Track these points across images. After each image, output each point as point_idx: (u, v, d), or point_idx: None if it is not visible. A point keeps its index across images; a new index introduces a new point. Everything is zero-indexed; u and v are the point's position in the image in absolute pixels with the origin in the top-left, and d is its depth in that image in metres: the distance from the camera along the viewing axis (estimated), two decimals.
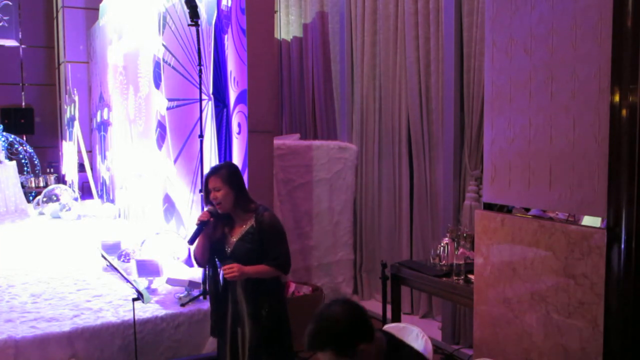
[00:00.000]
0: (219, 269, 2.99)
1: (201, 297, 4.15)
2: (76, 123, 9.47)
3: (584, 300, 2.29)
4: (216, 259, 2.99)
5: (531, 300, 2.54)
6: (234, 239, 2.87)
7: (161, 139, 6.06)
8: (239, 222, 2.88)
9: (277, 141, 5.09)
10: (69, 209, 8.31)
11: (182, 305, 4.04)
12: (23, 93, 11.79)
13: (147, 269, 4.35)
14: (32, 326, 3.68)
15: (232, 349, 2.97)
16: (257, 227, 2.83)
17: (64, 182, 10.38)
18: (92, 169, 9.81)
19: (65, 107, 10.61)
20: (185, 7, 4.51)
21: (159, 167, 6.19)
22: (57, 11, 11.14)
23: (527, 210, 2.91)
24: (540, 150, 2.50)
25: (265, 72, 4.19)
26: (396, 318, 3.86)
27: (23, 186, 9.85)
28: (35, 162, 10.65)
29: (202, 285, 4.20)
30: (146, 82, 6.53)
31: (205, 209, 2.91)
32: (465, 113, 4.45)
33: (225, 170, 2.87)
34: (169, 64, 5.69)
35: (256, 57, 4.08)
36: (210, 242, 2.93)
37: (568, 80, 2.36)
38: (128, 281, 3.31)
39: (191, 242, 2.92)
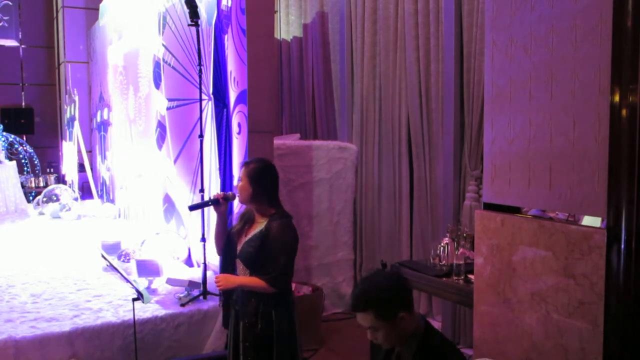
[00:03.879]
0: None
1: (201, 297, 4.15)
2: (76, 123, 9.47)
3: (584, 300, 2.29)
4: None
5: (531, 300, 2.54)
6: (244, 239, 2.84)
7: (161, 139, 6.06)
8: (256, 223, 2.85)
9: (277, 141, 5.09)
10: (69, 209, 8.31)
11: (182, 305, 4.04)
12: (23, 93, 11.78)
13: (147, 269, 4.35)
14: (32, 326, 3.68)
15: (235, 346, 2.97)
16: (264, 234, 2.76)
17: (64, 182, 10.38)
18: (92, 169, 9.81)
19: (65, 107, 10.62)
20: (185, 7, 4.51)
21: (159, 167, 6.19)
22: (57, 11, 11.13)
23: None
24: (540, 150, 2.50)
25: (265, 72, 4.19)
26: None
27: (23, 186, 9.85)
28: (35, 162, 10.65)
29: (202, 285, 4.20)
30: (146, 82, 6.53)
31: (229, 192, 3.04)
32: (465, 113, 4.45)
33: (254, 166, 2.84)
34: (169, 64, 5.69)
35: (256, 57, 4.08)
36: (226, 229, 2.98)
37: (568, 80, 2.36)
38: (128, 281, 3.32)
39: (190, 209, 3.16)
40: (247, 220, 2.89)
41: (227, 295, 3.00)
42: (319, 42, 6.33)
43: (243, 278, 2.82)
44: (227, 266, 2.96)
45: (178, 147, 5.60)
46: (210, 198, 3.01)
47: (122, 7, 7.70)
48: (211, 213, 4.27)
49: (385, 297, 2.00)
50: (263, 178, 2.81)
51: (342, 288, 5.59)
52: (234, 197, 3.00)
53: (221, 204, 2.95)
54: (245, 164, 2.89)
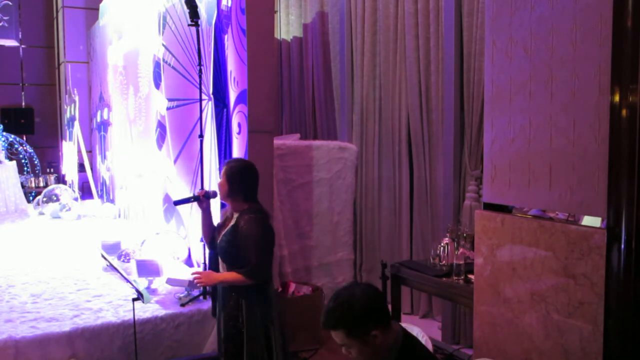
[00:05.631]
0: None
1: (201, 297, 4.15)
2: (76, 123, 9.47)
3: (584, 300, 2.29)
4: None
5: (531, 300, 2.54)
6: (222, 233, 2.94)
7: (161, 139, 6.06)
8: (232, 219, 2.94)
9: (277, 141, 5.09)
10: (69, 209, 8.31)
11: (182, 305, 4.04)
12: (23, 93, 11.78)
13: (147, 269, 4.35)
14: (32, 326, 3.68)
15: (219, 338, 3.05)
16: (234, 228, 2.87)
17: (64, 182, 10.37)
18: (92, 169, 9.81)
19: (65, 107, 10.61)
20: (185, 7, 4.51)
21: (159, 167, 6.19)
22: (57, 11, 11.13)
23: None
24: (540, 150, 2.50)
25: (265, 72, 4.19)
26: (396, 318, 3.86)
27: (23, 186, 9.85)
28: (35, 162, 10.65)
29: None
30: (146, 82, 6.53)
31: (210, 190, 3.18)
32: (465, 113, 4.45)
33: (232, 164, 2.98)
34: (169, 64, 5.69)
35: (256, 57, 4.08)
36: (210, 224, 3.12)
37: (568, 80, 2.36)
38: (128, 281, 3.32)
39: (174, 204, 3.34)
40: (228, 216, 3.00)
41: (215, 286, 3.09)
42: (319, 42, 6.33)
43: (223, 274, 2.92)
44: (216, 261, 3.05)
45: (178, 147, 5.60)
46: (193, 195, 3.20)
47: (122, 7, 7.69)
48: None
49: (357, 316, 1.89)
50: (238, 176, 2.92)
51: None
52: (215, 195, 3.13)
53: (202, 200, 3.10)
54: (226, 163, 3.02)
